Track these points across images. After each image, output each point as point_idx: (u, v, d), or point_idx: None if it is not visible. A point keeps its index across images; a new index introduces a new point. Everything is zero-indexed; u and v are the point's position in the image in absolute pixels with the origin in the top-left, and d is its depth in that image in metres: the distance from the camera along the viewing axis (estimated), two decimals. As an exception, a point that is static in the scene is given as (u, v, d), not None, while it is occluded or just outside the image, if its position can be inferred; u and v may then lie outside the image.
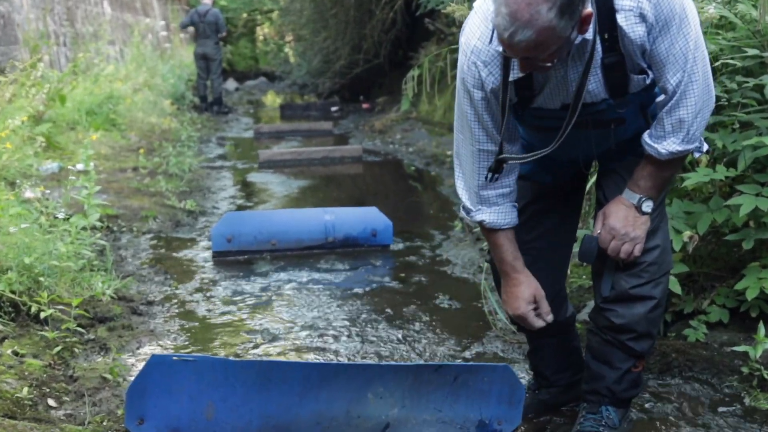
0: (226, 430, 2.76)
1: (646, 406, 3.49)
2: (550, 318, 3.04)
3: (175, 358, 2.71)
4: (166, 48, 21.37)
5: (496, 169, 2.98)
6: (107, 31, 15.19)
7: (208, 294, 5.12)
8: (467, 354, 4.11)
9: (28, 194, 6.00)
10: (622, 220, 2.90)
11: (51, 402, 3.39)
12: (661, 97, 2.81)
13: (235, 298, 5.04)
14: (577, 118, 2.78)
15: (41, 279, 4.39)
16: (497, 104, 2.85)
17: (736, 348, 3.70)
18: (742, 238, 3.81)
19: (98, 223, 5.79)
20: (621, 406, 3.14)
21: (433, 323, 4.53)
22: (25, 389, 3.36)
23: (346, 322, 4.58)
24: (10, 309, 4.13)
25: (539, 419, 3.40)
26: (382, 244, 6.16)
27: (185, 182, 8.57)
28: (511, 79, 2.79)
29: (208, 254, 6.06)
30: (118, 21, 17.23)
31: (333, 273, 5.60)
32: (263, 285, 5.33)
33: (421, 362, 2.94)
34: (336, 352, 4.15)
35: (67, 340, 4.02)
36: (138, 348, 4.16)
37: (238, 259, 5.94)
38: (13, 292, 4.16)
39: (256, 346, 4.23)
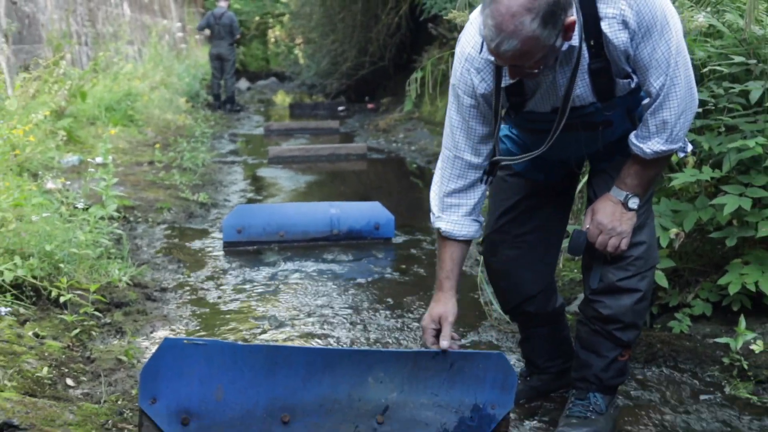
0: (234, 411, 2.76)
1: (632, 393, 3.50)
2: (444, 344, 2.90)
3: (186, 341, 2.72)
4: (181, 48, 21.36)
5: (491, 171, 2.99)
6: (126, 31, 15.19)
7: (218, 282, 5.13)
8: (463, 342, 4.11)
9: (50, 185, 6.01)
10: (610, 216, 2.91)
11: (69, 381, 3.40)
12: (646, 100, 2.82)
13: (244, 286, 5.05)
14: (567, 121, 2.79)
15: (61, 265, 4.40)
16: (489, 110, 2.87)
17: (718, 340, 3.71)
18: (725, 235, 3.82)
19: (115, 214, 5.80)
20: (608, 392, 3.15)
21: (432, 312, 4.52)
22: (45, 369, 3.37)
23: (349, 311, 4.59)
24: (31, 293, 4.14)
25: (530, 404, 3.41)
26: (385, 237, 6.16)
27: (198, 176, 8.57)
28: (503, 85, 2.81)
29: (219, 244, 6.06)
30: (137, 22, 17.23)
31: (337, 264, 5.60)
32: (271, 274, 5.33)
33: (420, 349, 2.93)
34: (339, 339, 4.16)
35: (85, 323, 4.03)
36: (152, 332, 4.17)
37: (247, 249, 5.95)
38: (34, 278, 4.17)
39: (263, 332, 4.24)
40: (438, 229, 3.01)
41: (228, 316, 4.51)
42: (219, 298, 4.81)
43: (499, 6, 2.47)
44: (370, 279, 5.24)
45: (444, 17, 6.80)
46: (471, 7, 5.66)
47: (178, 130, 11.68)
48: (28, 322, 3.89)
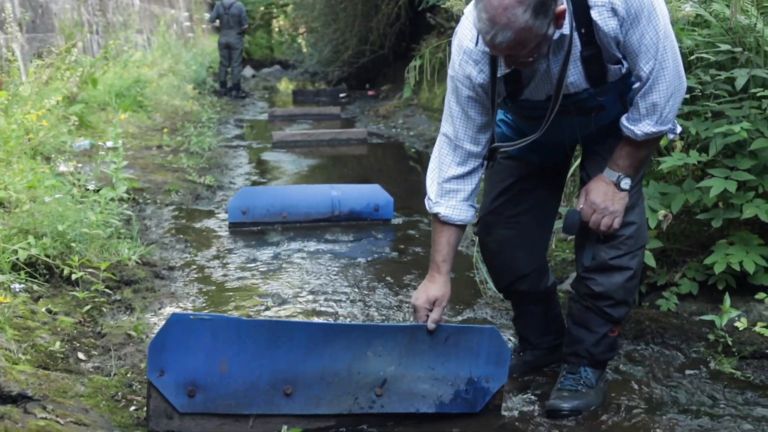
0: (238, 383, 2.76)
1: (621, 368, 3.50)
2: (431, 326, 2.91)
3: (192, 317, 2.72)
4: (189, 37, 21.29)
5: (490, 157, 2.99)
6: (136, 20, 15.13)
7: (224, 261, 5.13)
8: (459, 318, 4.11)
9: (62, 168, 6.00)
10: (602, 196, 2.91)
11: (81, 355, 3.41)
12: (637, 84, 2.82)
13: (248, 265, 5.04)
14: (561, 107, 2.80)
15: (73, 244, 4.40)
16: (487, 99, 2.86)
17: (703, 317, 3.71)
18: (711, 217, 3.82)
19: (125, 195, 5.79)
20: (598, 367, 3.15)
21: (429, 290, 4.52)
22: (58, 343, 3.37)
23: (349, 288, 4.59)
24: (44, 271, 4.13)
25: (523, 378, 3.42)
26: (384, 219, 6.15)
27: (205, 159, 8.55)
28: (499, 75, 2.81)
29: (224, 225, 6.06)
30: (146, 12, 17.16)
31: (338, 244, 5.60)
32: (274, 253, 5.33)
33: (417, 324, 2.94)
34: (340, 315, 4.16)
35: (96, 300, 4.03)
36: (160, 308, 4.17)
37: (251, 229, 5.94)
38: (47, 256, 4.17)
39: (267, 309, 4.23)
40: (436, 214, 3.00)
41: (233, 293, 4.50)
42: (224, 276, 4.81)
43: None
44: (369, 258, 5.23)
45: (441, 6, 6.77)
46: (468, -4, 5.63)
47: (185, 116, 11.65)
48: (41, 299, 3.89)
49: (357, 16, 16.65)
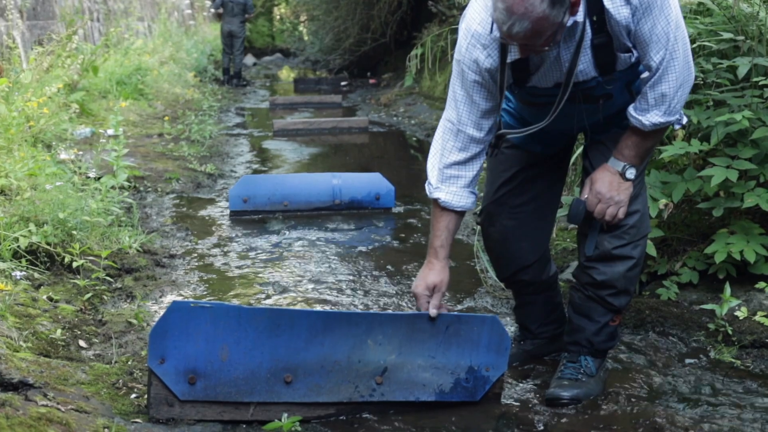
0: (238, 371, 2.77)
1: (621, 357, 3.50)
2: (433, 312, 2.92)
3: (193, 304, 2.72)
4: (190, 25, 21.25)
5: (496, 144, 2.99)
6: (137, 8, 15.11)
7: (224, 249, 5.13)
8: (460, 307, 4.12)
9: (63, 156, 6.00)
10: (608, 185, 2.91)
11: (82, 343, 3.41)
12: (645, 74, 2.82)
13: (249, 254, 5.05)
14: (570, 95, 2.79)
15: (74, 232, 4.40)
16: (493, 85, 2.85)
17: (704, 306, 3.71)
18: (712, 206, 3.81)
19: (126, 183, 5.80)
20: (598, 356, 3.16)
21: (430, 279, 4.52)
22: (59, 331, 3.38)
23: (350, 277, 4.59)
24: (45, 259, 4.14)
25: (524, 367, 3.42)
26: (385, 207, 6.15)
27: (206, 148, 8.55)
28: (509, 60, 2.79)
29: (225, 213, 6.06)
30: (147, -1, 17.13)
31: (339, 232, 5.60)
32: (275, 242, 5.33)
33: (418, 312, 2.94)
34: (340, 304, 4.16)
35: (97, 288, 4.04)
36: (161, 296, 4.17)
37: (252, 218, 5.94)
38: (48, 244, 4.17)
39: (267, 297, 4.24)
40: (436, 200, 3.00)
41: (234, 281, 4.51)
42: (225, 264, 4.81)
43: None
44: (370, 247, 5.23)
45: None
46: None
47: (186, 104, 11.64)
48: (42, 287, 3.90)
49: (358, 4, 16.63)
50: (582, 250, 3.07)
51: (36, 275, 3.98)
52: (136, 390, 3.00)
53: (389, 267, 4.76)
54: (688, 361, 3.46)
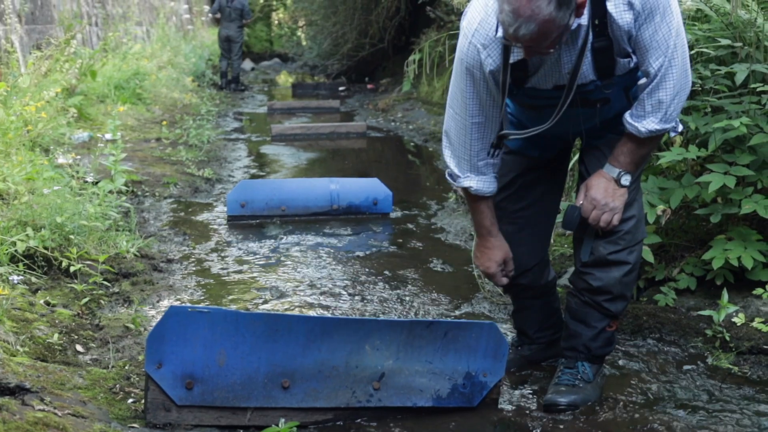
0: (236, 376, 2.77)
1: (619, 363, 3.50)
2: (512, 274, 3.15)
3: (190, 309, 2.72)
4: (188, 30, 21.26)
5: (498, 144, 2.99)
6: (135, 12, 15.11)
7: (222, 254, 5.13)
8: (457, 313, 4.12)
9: (61, 160, 6.00)
10: (603, 192, 2.91)
11: (79, 348, 3.41)
12: (643, 80, 2.82)
13: (247, 258, 5.04)
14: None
15: (71, 237, 4.40)
16: (494, 84, 2.86)
17: (701, 312, 3.71)
18: (710, 212, 3.82)
19: (124, 188, 5.79)
20: (595, 362, 3.16)
21: (427, 285, 4.53)
22: (56, 335, 3.37)
23: (348, 282, 4.59)
24: (43, 263, 4.14)
25: (521, 373, 3.42)
26: (383, 212, 6.15)
27: (204, 152, 8.55)
28: (512, 60, 2.79)
29: (223, 218, 6.06)
30: (145, 3, 17.14)
31: (337, 237, 5.60)
32: (273, 247, 5.33)
33: (415, 319, 2.94)
34: (338, 309, 4.16)
35: (94, 292, 4.04)
36: (158, 301, 4.17)
37: (250, 222, 5.94)
38: (45, 248, 4.17)
39: (265, 302, 4.24)
40: (468, 188, 3.04)
41: (231, 286, 4.51)
42: (223, 269, 4.81)
43: None
44: (368, 252, 5.23)
45: (442, 0, 6.76)
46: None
47: (184, 109, 11.64)
48: (39, 291, 3.89)
49: (357, 9, 16.64)
50: (578, 256, 3.08)
51: (33, 279, 3.98)
52: (133, 395, 3.00)
53: (387, 272, 4.76)
54: (685, 367, 3.45)
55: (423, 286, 4.51)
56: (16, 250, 4.00)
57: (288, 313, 4.00)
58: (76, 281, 4.04)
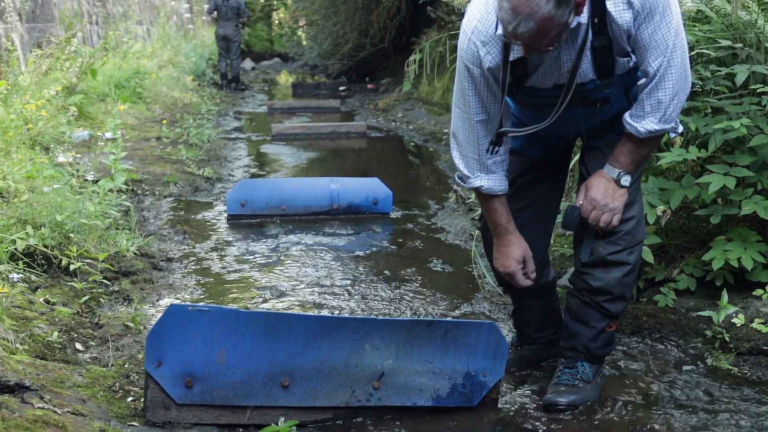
0: (235, 374, 2.77)
1: (619, 363, 3.51)
2: (534, 276, 3.11)
3: (190, 308, 2.72)
4: (189, 29, 21.27)
5: (497, 141, 2.99)
6: (136, 11, 15.11)
7: (222, 253, 5.13)
8: (457, 312, 4.12)
9: (61, 158, 6.00)
10: (603, 192, 2.91)
11: (78, 346, 3.41)
12: (642, 80, 2.82)
13: (246, 257, 5.05)
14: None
15: (71, 235, 4.40)
16: (494, 82, 2.86)
17: (701, 313, 3.71)
18: (710, 213, 3.82)
19: (124, 187, 5.79)
20: (595, 362, 3.16)
21: (427, 284, 4.53)
22: (55, 334, 3.37)
23: (348, 282, 4.59)
24: (42, 261, 4.14)
25: (521, 372, 3.42)
26: (383, 212, 6.15)
27: (204, 151, 8.55)
28: (511, 58, 2.79)
29: (223, 217, 6.06)
30: (146, 2, 17.14)
31: (337, 237, 5.60)
32: (273, 246, 5.33)
33: (415, 318, 2.94)
34: (338, 308, 4.16)
35: (94, 290, 4.04)
36: (158, 300, 4.17)
37: (250, 222, 5.94)
38: (45, 246, 4.17)
39: (264, 301, 4.24)
40: (479, 188, 3.04)
41: (231, 285, 4.51)
42: (222, 268, 4.81)
43: None
44: (368, 252, 5.23)
45: (442, 0, 6.76)
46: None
47: (184, 108, 11.64)
48: (39, 289, 3.90)
49: (357, 9, 16.63)
50: (578, 257, 3.08)
51: (33, 278, 3.98)
52: (132, 393, 3.00)
53: (386, 272, 4.76)
54: (685, 367, 3.45)
55: (423, 285, 4.51)
56: (15, 248, 4.01)
57: (288, 312, 4.00)
58: (75, 279, 4.04)
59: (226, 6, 16.50)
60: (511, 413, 3.06)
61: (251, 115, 13.29)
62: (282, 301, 4.24)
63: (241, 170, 8.18)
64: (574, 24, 2.65)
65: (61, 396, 2.78)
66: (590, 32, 2.71)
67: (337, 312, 4.10)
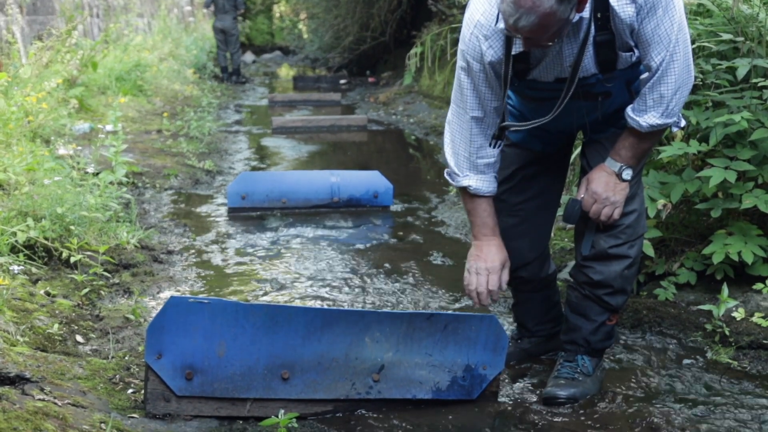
0: (235, 366, 2.77)
1: (619, 356, 3.51)
2: (505, 288, 3.09)
3: (191, 300, 2.72)
4: (189, 21, 21.24)
5: (499, 135, 2.98)
6: (137, 4, 15.08)
7: (222, 246, 5.13)
8: (457, 305, 4.12)
9: (62, 151, 5.99)
10: (604, 186, 2.91)
11: (79, 338, 3.41)
12: (645, 75, 2.82)
13: (247, 250, 5.04)
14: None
15: (72, 227, 4.39)
16: (494, 77, 2.85)
17: (701, 307, 3.71)
18: (710, 207, 3.81)
19: (124, 179, 5.79)
20: (595, 355, 3.16)
21: (427, 277, 4.53)
22: (56, 326, 3.37)
23: (348, 275, 4.59)
24: (43, 254, 4.14)
25: (521, 366, 3.42)
26: (383, 205, 6.15)
27: (204, 144, 8.54)
28: (514, 52, 2.79)
29: (223, 210, 6.06)
30: (147, -5, 17.11)
31: (337, 230, 5.60)
32: (273, 239, 5.33)
33: (415, 311, 2.94)
34: (338, 301, 4.16)
35: (94, 283, 4.04)
36: (158, 292, 4.17)
37: (251, 215, 5.94)
38: (46, 239, 4.17)
39: (265, 294, 4.24)
40: (466, 187, 3.01)
41: (231, 278, 4.51)
42: (223, 261, 4.81)
43: None
44: (368, 245, 5.23)
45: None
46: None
47: (185, 100, 11.63)
48: (39, 281, 3.90)
49: (358, 3, 16.60)
50: (579, 250, 3.08)
51: (33, 270, 3.98)
52: (132, 385, 3.00)
53: (387, 265, 4.75)
54: (685, 361, 3.46)
55: (423, 278, 4.51)
56: (16, 241, 4.00)
57: (288, 304, 4.00)
58: (76, 272, 4.04)
59: None
60: (511, 406, 3.06)
61: (252, 108, 13.28)
62: (282, 294, 4.24)
63: (241, 163, 8.18)
64: (576, 19, 2.65)
65: (61, 388, 2.78)
66: (593, 27, 2.71)
67: (337, 305, 4.10)
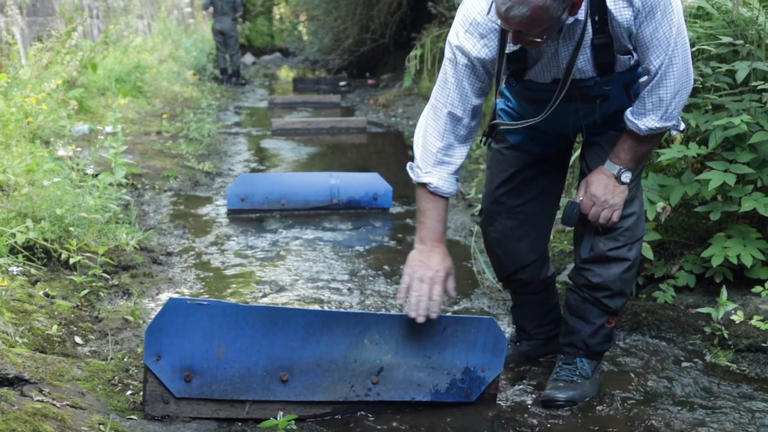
0: (234, 368, 2.77)
1: (617, 359, 3.51)
2: (452, 294, 2.97)
3: (190, 302, 2.72)
4: (189, 23, 21.25)
5: (489, 133, 2.98)
6: (136, 5, 15.09)
7: (222, 247, 5.13)
8: (456, 308, 4.12)
9: (61, 152, 5.99)
10: (603, 189, 2.91)
11: (78, 339, 3.41)
12: (644, 78, 2.82)
13: (246, 252, 5.04)
14: (567, 93, 2.78)
15: (71, 229, 4.39)
16: (484, 73, 2.84)
17: (700, 310, 3.71)
18: (710, 210, 3.82)
19: (124, 181, 5.79)
20: (594, 358, 3.16)
21: (426, 280, 4.52)
22: (55, 327, 3.37)
23: (347, 277, 4.59)
24: (42, 255, 4.14)
25: (519, 368, 3.42)
26: (382, 207, 6.15)
27: (204, 146, 8.54)
28: (507, 51, 2.78)
29: (223, 212, 6.06)
30: (147, -3, 17.11)
31: (336, 232, 5.60)
32: (272, 241, 5.33)
33: (414, 314, 2.93)
34: (337, 303, 4.16)
35: (94, 284, 4.03)
36: (157, 294, 4.17)
37: (250, 216, 5.94)
38: (45, 240, 4.17)
39: (264, 296, 4.24)
40: (426, 184, 2.92)
41: (230, 280, 4.51)
42: (222, 262, 4.81)
43: None
44: (367, 247, 5.23)
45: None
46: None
47: (185, 102, 11.63)
48: (39, 283, 3.90)
49: (358, 5, 16.62)
50: (578, 252, 3.08)
51: (33, 271, 3.98)
52: (131, 387, 3.00)
53: (386, 267, 4.75)
54: (684, 364, 3.46)
55: (422, 281, 4.50)
56: (15, 242, 4.00)
57: (287, 306, 3.99)
58: (75, 273, 4.04)
59: (222, 0, 16.44)
60: (510, 409, 3.06)
61: (251, 109, 13.28)
62: (281, 296, 4.24)
63: (241, 165, 8.18)
64: (571, 21, 2.65)
65: (60, 389, 2.78)
66: (590, 30, 2.71)
67: (336, 307, 4.10)
